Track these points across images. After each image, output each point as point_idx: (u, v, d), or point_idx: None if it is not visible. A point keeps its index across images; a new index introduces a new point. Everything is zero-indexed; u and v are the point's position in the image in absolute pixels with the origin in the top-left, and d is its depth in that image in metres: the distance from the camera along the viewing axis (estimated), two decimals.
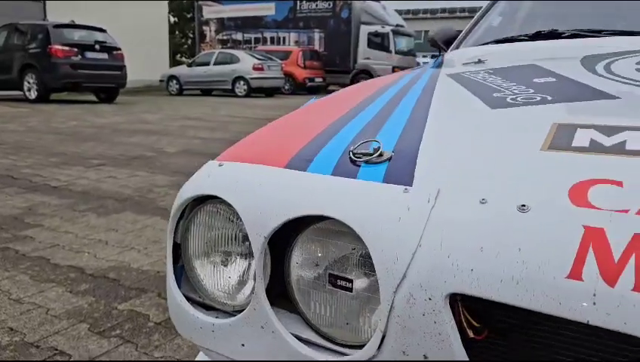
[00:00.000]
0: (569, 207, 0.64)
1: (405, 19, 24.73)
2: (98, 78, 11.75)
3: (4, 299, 2.06)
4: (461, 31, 2.41)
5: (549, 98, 1.02)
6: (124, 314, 1.97)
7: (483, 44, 1.95)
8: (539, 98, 1.02)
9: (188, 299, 0.92)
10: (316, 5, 21.09)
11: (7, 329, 1.83)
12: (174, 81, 17.44)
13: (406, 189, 0.73)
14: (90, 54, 11.63)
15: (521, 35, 1.89)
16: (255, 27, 22.34)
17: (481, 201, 0.68)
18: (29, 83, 11.51)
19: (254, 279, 0.86)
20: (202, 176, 0.90)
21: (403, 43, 21.18)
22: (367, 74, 20.44)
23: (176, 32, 31.84)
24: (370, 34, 20.39)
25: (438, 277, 0.64)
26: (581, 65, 1.31)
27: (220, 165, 0.91)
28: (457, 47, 2.07)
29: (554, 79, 1.19)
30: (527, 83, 1.18)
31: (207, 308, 0.91)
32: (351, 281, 0.76)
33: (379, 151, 0.82)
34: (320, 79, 19.95)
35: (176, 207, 0.90)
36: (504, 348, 0.67)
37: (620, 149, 0.73)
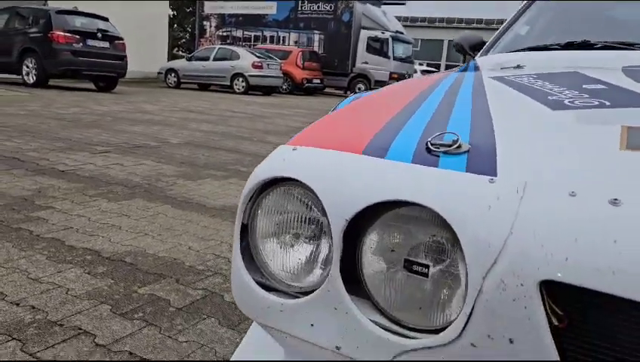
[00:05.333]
0: None
1: (404, 26, 24.85)
2: (99, 66, 11.66)
3: (22, 278, 2.06)
4: (484, 39, 2.45)
5: (607, 103, 1.04)
6: (145, 297, 1.98)
7: (514, 51, 1.98)
8: (596, 103, 1.05)
9: None
10: (317, 7, 21.14)
11: (30, 307, 1.83)
12: (172, 74, 17.39)
13: (492, 179, 0.75)
14: (91, 42, 11.55)
15: (552, 45, 1.93)
16: (255, 25, 22.34)
17: (570, 194, 0.70)
18: (27, 67, 11.39)
19: (323, 262, 0.88)
20: (276, 159, 0.92)
21: (401, 50, 21.28)
22: (365, 78, 20.50)
23: (175, 26, 31.69)
24: (369, 38, 20.47)
25: (531, 265, 0.66)
26: (625, 75, 1.34)
27: (293, 149, 0.93)
28: (486, 54, 2.10)
29: (604, 86, 1.22)
30: (578, 88, 1.20)
31: (267, 289, 0.93)
32: (427, 267, 0.78)
33: (457, 143, 0.84)
34: (318, 81, 19.97)
35: (249, 188, 0.91)
36: (586, 336, 0.69)
37: None
